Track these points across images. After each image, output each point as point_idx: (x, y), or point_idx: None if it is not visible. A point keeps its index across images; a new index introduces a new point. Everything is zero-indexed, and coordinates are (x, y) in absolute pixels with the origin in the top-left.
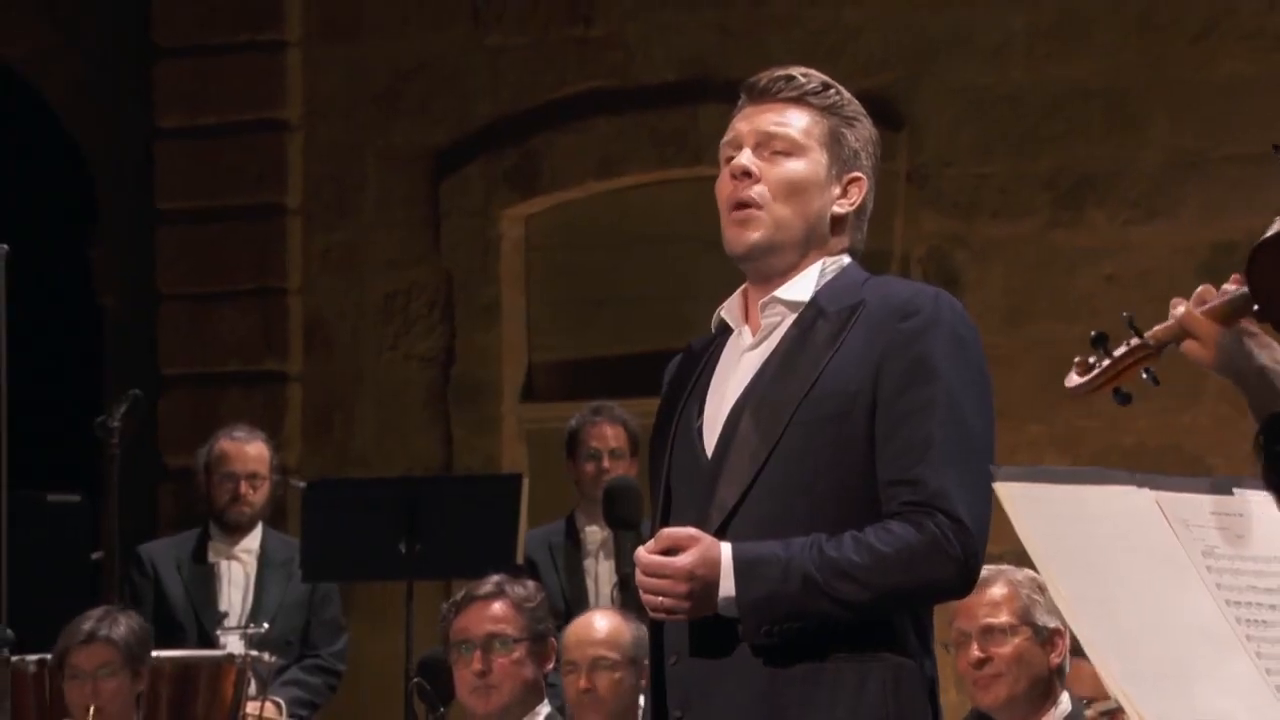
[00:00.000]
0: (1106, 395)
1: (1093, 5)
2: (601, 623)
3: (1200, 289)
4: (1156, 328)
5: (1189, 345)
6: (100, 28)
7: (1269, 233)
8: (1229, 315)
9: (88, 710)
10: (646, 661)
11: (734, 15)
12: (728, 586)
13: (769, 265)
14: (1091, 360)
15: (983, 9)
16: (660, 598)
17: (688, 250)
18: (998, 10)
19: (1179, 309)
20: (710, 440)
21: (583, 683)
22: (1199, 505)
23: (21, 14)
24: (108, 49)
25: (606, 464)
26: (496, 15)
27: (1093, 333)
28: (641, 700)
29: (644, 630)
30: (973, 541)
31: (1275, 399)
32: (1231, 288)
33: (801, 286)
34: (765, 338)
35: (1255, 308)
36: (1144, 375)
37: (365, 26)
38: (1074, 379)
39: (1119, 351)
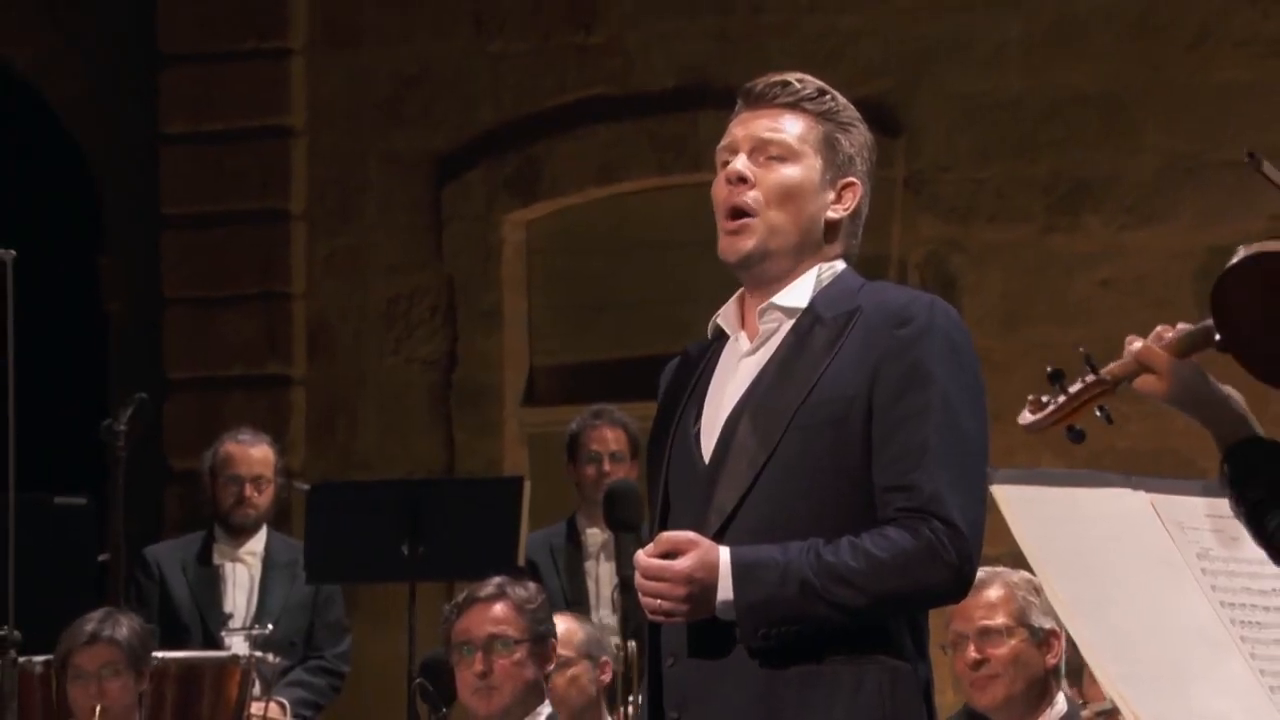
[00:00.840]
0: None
1: (1088, 12)
2: (559, 624)
3: (1157, 329)
4: (1112, 365)
5: (1144, 380)
6: (105, 34)
7: (1233, 260)
8: (1188, 348)
9: (92, 711)
10: (605, 659)
11: (733, 22)
12: (726, 590)
13: (764, 272)
14: (1045, 398)
15: (980, 16)
16: (659, 600)
17: (687, 255)
18: (994, 17)
19: (1135, 345)
20: (708, 446)
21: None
22: (1194, 508)
23: (27, 20)
24: (113, 56)
25: (607, 467)
26: (498, 23)
27: (1049, 369)
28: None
29: (599, 630)
30: (968, 546)
31: (1240, 425)
32: (1187, 326)
33: (798, 293)
34: (763, 344)
35: (1218, 337)
36: (1098, 413)
37: (368, 34)
38: (1027, 416)
39: (1074, 388)
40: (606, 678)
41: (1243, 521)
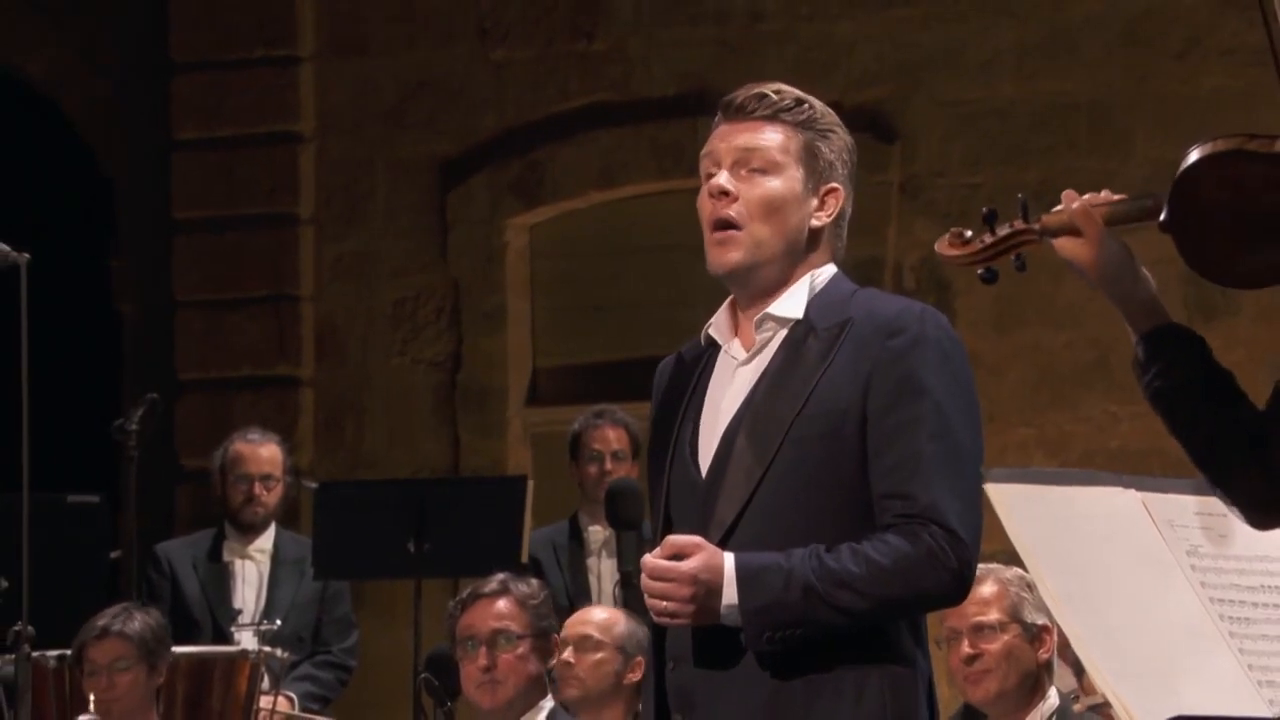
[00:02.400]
0: (1092, 392)
1: (1079, 22)
2: (601, 611)
3: (1098, 194)
4: (1045, 215)
5: (1068, 243)
6: (118, 44)
7: (1208, 149)
8: (1121, 219)
9: (104, 705)
10: (639, 659)
11: (731, 31)
12: (731, 595)
13: (752, 283)
14: (968, 234)
15: (973, 26)
16: (664, 602)
17: (686, 258)
18: (987, 27)
19: (1074, 203)
20: (705, 458)
21: (565, 655)
22: (1183, 506)
23: (42, 32)
24: (125, 64)
25: (609, 466)
26: (501, 31)
27: (985, 209)
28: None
29: (644, 630)
30: (966, 551)
31: (1156, 308)
32: (1122, 197)
33: (793, 302)
34: (758, 353)
35: (1164, 215)
36: (1013, 259)
37: (375, 43)
38: (946, 249)
39: (1002, 230)
40: (635, 676)
41: (1152, 405)
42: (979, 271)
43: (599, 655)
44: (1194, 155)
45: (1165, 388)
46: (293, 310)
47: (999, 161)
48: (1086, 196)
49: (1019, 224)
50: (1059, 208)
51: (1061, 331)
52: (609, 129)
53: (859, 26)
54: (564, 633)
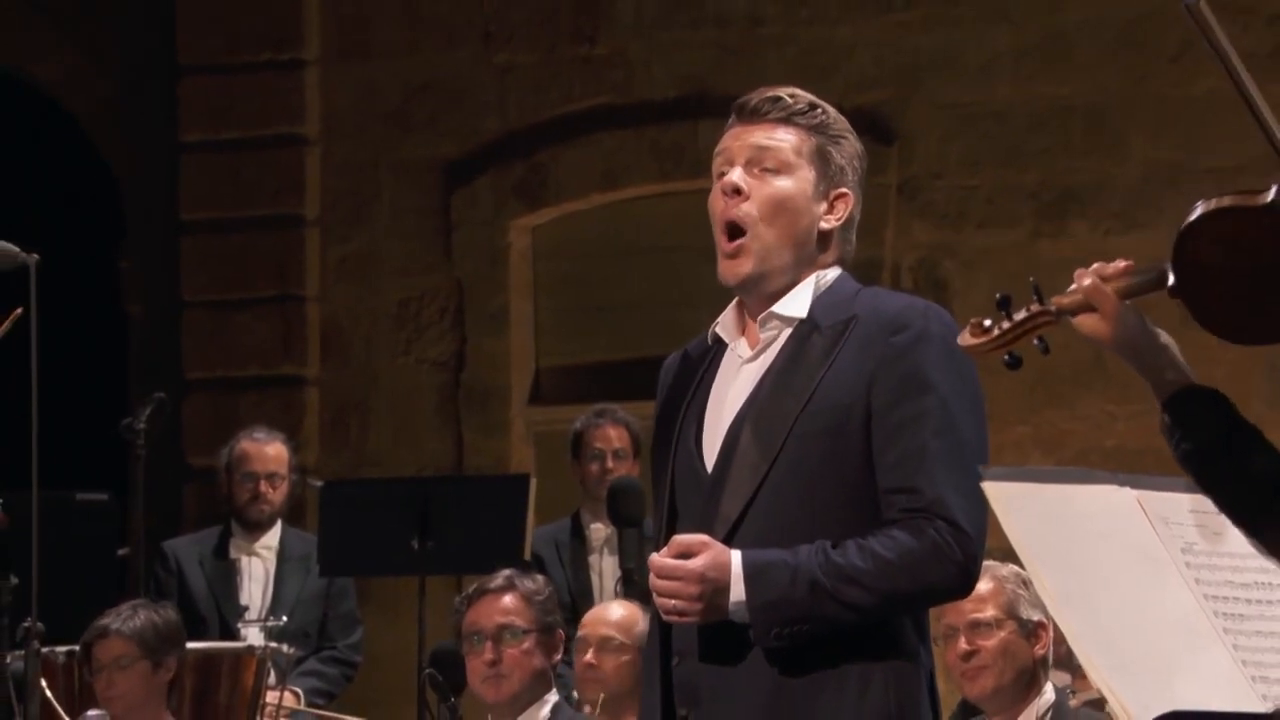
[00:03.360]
0: (1088, 392)
1: (1075, 26)
2: (618, 608)
3: (1096, 265)
4: (1059, 296)
5: (1086, 320)
6: (126, 48)
7: (1200, 210)
8: (1134, 291)
9: (109, 702)
10: None
11: (732, 35)
12: (738, 591)
13: (761, 290)
14: (988, 322)
15: (970, 30)
16: (673, 600)
17: (688, 259)
18: (984, 31)
19: (1085, 280)
20: (711, 454)
21: (589, 658)
22: (1178, 504)
23: (52, 37)
24: (134, 68)
25: (610, 464)
26: (505, 35)
27: (998, 295)
28: None
29: None
30: (972, 545)
31: (1177, 373)
32: (1121, 265)
33: (798, 302)
34: (762, 351)
35: (1172, 281)
36: (1036, 342)
37: (379, 46)
38: (967, 338)
39: (1019, 315)
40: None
41: (1183, 467)
42: (1003, 358)
43: (624, 658)
44: (1188, 220)
45: (1191, 451)
46: (298, 310)
47: (996, 163)
48: (1095, 267)
49: (1034, 307)
50: (1073, 288)
51: (1058, 332)
52: (611, 131)
53: (858, 30)
54: (583, 632)
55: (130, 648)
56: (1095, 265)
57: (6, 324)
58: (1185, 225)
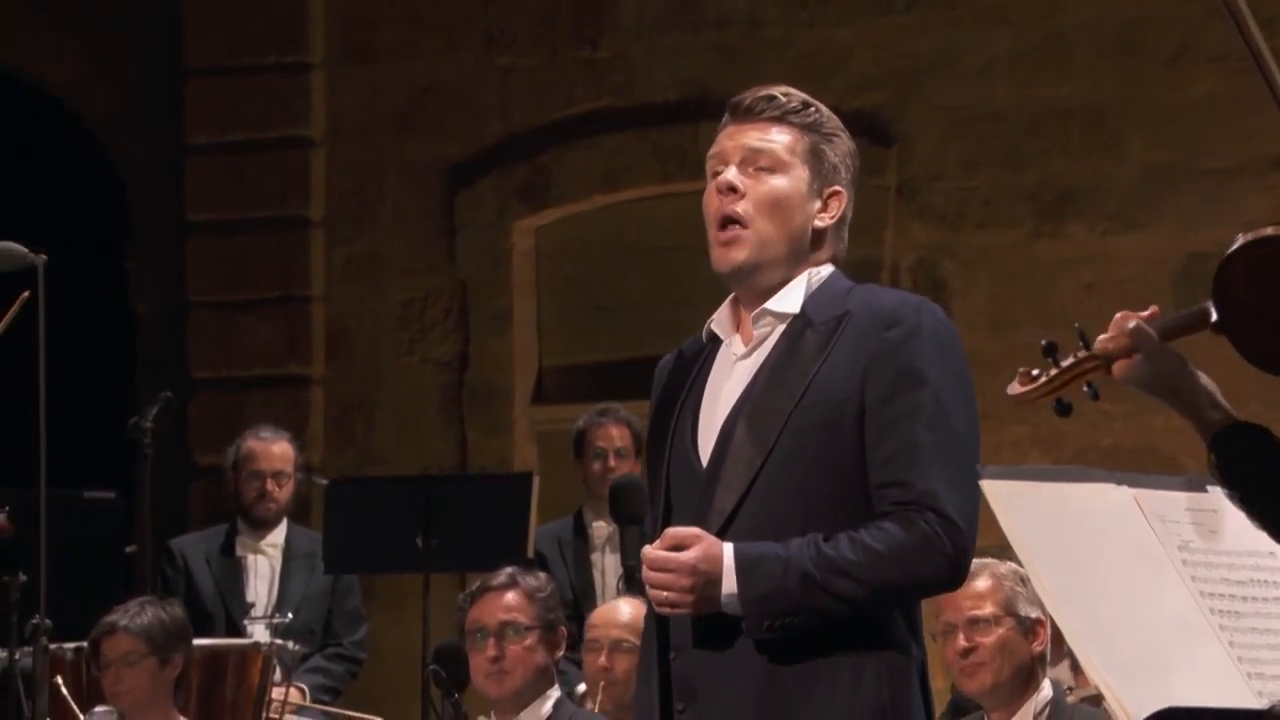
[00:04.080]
0: (1045, 405)
1: (1072, 29)
2: (626, 608)
3: (1151, 309)
4: (1103, 338)
5: (1127, 364)
6: (134, 52)
7: (1238, 244)
8: (1176, 331)
9: (116, 698)
10: None
11: (732, 38)
12: (730, 584)
13: (756, 283)
14: (1035, 371)
15: (968, 32)
16: (665, 592)
17: (688, 260)
18: (982, 33)
19: (1130, 323)
20: (705, 448)
21: (602, 660)
22: (1175, 502)
23: (60, 41)
24: (141, 72)
25: (612, 463)
26: (508, 38)
27: (1043, 342)
28: None
29: None
30: (963, 538)
31: (1219, 412)
32: (1145, 313)
33: (790, 298)
34: (756, 347)
35: (1214, 318)
36: (1085, 388)
37: (384, 49)
38: (1016, 387)
39: (1066, 362)
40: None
41: (1236, 505)
42: (1052, 405)
43: (636, 659)
44: (1228, 252)
45: (1238, 487)
46: (303, 311)
47: (994, 165)
48: (1136, 314)
49: (1081, 353)
50: (1109, 335)
51: (1055, 331)
52: (613, 134)
53: (857, 33)
54: (594, 635)
55: (138, 644)
56: (1123, 313)
57: (13, 309)
58: (1225, 257)
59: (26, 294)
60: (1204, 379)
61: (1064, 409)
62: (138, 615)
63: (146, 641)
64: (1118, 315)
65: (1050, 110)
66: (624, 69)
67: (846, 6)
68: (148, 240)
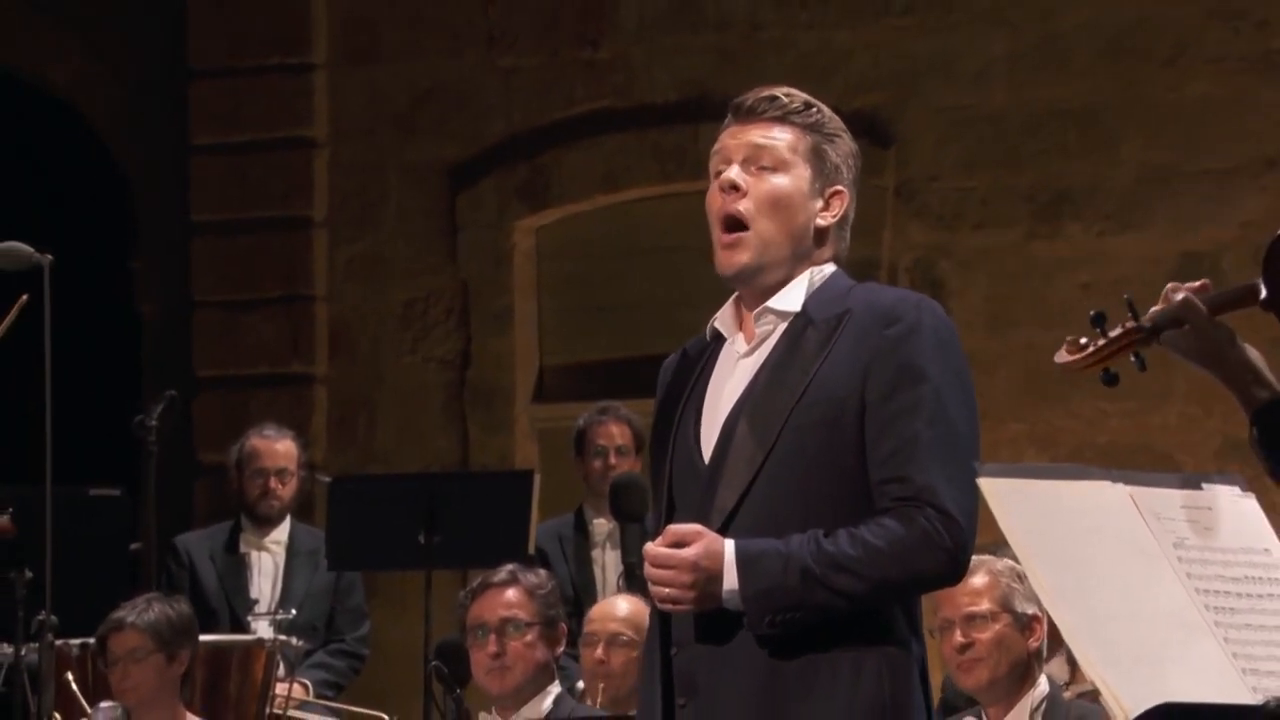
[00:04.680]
0: (1081, 390)
1: (1069, 31)
2: (625, 604)
3: (1197, 284)
4: (1152, 310)
5: (1176, 334)
6: (138, 53)
7: None
8: (1226, 306)
9: (123, 694)
10: None
11: (732, 39)
12: (731, 580)
13: (759, 284)
14: (1084, 340)
15: (966, 35)
16: (666, 589)
17: (688, 260)
18: (980, 36)
19: (1178, 294)
20: (708, 446)
21: (599, 654)
22: (1170, 499)
23: (64, 42)
24: (145, 72)
25: (613, 460)
26: (509, 40)
27: (1092, 312)
28: None
29: None
30: (962, 533)
31: (1265, 388)
32: (1195, 285)
33: (792, 297)
34: (758, 345)
35: (1264, 294)
36: (1132, 359)
37: (386, 51)
38: (1064, 356)
39: (1114, 332)
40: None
41: (1275, 480)
42: (1099, 374)
43: (632, 653)
44: (1279, 234)
45: (1278, 461)
46: (307, 310)
47: (992, 166)
48: (1186, 286)
49: (1129, 323)
50: (1158, 307)
51: (1052, 331)
52: (613, 134)
53: (856, 35)
54: (592, 629)
55: (145, 640)
56: (1174, 284)
57: (13, 313)
58: (1277, 236)
59: (25, 297)
60: (1251, 352)
61: (1111, 379)
62: (145, 611)
63: (153, 638)
64: (1168, 286)
65: (1047, 111)
66: (624, 70)
67: (845, 8)
68: (152, 240)
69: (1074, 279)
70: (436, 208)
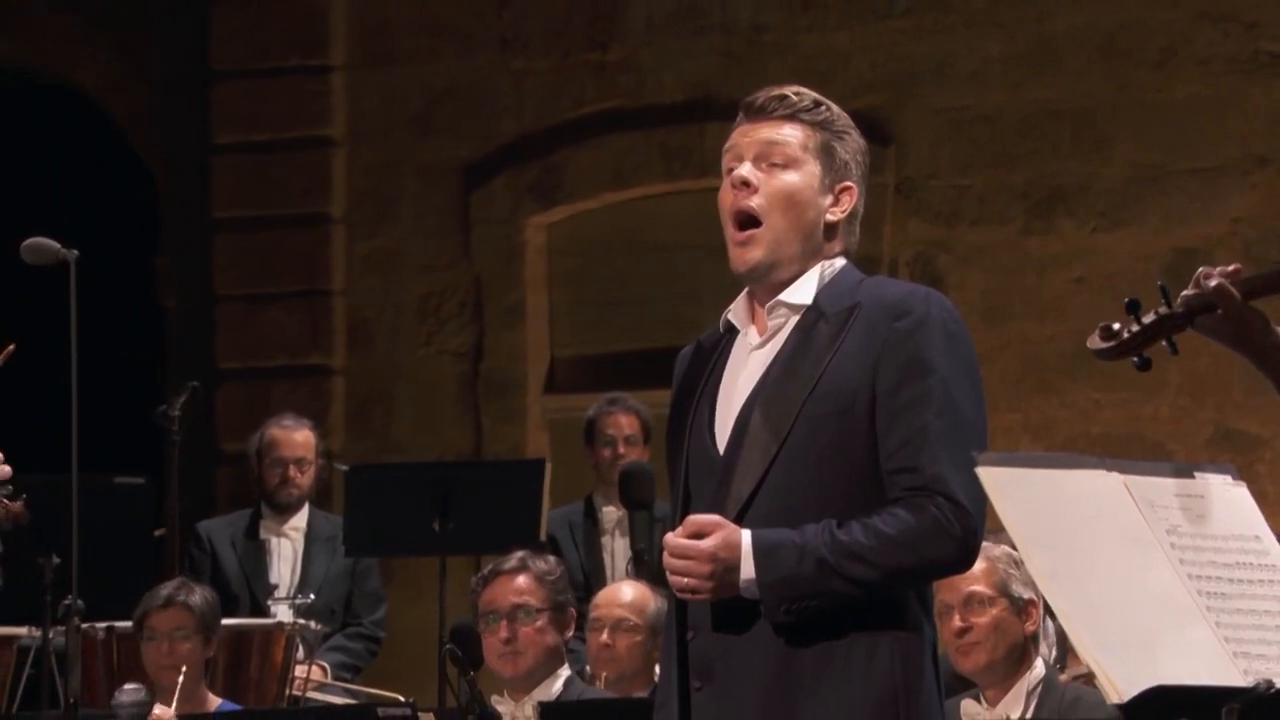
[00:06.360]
0: (1075, 381)
1: (1062, 34)
2: (629, 590)
3: (1229, 268)
4: (1185, 294)
5: (1209, 319)
6: (162, 54)
7: None
8: (1260, 291)
9: (163, 669)
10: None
11: (736, 42)
12: (748, 569)
13: (770, 279)
14: (1116, 326)
15: (962, 37)
16: (685, 579)
17: (694, 256)
18: (975, 38)
19: (1211, 280)
20: (722, 437)
21: (604, 638)
22: (1163, 488)
23: (91, 44)
24: (169, 73)
25: (622, 449)
26: (521, 42)
27: (1126, 299)
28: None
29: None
30: (971, 520)
31: None
32: (1228, 269)
33: (804, 290)
34: (771, 338)
35: None
36: (1165, 344)
37: (402, 53)
38: (1097, 342)
39: (1148, 319)
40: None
41: None
42: (1133, 360)
43: (636, 638)
44: None
45: None
46: (325, 304)
47: (987, 165)
48: (1217, 270)
49: (1163, 310)
50: (1191, 290)
51: (1046, 323)
52: (622, 134)
53: (856, 38)
54: (598, 614)
55: (190, 620)
56: (1205, 269)
57: (2, 359)
58: None
59: (13, 347)
60: None
61: (1144, 364)
62: (190, 593)
63: (198, 619)
64: (1199, 271)
65: (1041, 112)
66: (633, 71)
67: (846, 12)
68: (176, 236)
69: (1067, 274)
70: (451, 205)
